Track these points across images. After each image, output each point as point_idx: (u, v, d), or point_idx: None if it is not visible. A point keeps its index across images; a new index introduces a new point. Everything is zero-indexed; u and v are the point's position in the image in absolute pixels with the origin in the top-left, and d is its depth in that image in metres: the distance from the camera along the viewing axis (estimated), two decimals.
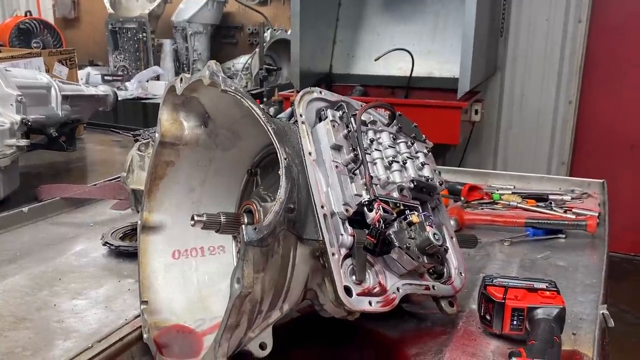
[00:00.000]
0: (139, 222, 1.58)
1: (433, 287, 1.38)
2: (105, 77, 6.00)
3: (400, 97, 4.96)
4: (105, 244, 1.92)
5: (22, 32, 6.90)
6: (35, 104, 2.52)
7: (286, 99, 4.59)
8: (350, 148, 1.37)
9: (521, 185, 2.57)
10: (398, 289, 1.29)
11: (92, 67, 6.52)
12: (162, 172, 1.57)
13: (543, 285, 1.34)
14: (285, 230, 1.14)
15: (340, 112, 1.42)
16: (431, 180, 1.47)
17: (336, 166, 1.32)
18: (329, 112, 1.40)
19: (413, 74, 4.91)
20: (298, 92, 4.59)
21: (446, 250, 1.37)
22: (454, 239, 1.52)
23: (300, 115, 1.39)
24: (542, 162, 5.51)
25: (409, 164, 1.45)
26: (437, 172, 1.53)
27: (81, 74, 6.03)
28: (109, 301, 1.62)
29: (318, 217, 1.24)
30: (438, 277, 1.43)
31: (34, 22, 6.94)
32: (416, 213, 1.33)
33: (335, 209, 1.27)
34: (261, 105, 1.30)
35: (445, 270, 1.44)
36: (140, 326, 1.47)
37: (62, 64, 3.38)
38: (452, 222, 2.04)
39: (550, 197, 2.34)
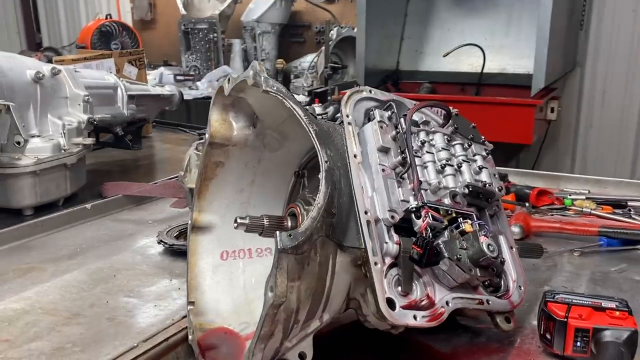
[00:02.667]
0: (189, 221, 1.58)
1: (487, 301, 1.27)
2: (177, 77, 6.18)
3: (470, 94, 4.77)
4: (160, 242, 1.94)
5: (103, 34, 7.26)
6: (102, 104, 2.61)
7: None
8: (399, 150, 1.29)
9: (597, 190, 2.37)
10: (447, 303, 1.20)
11: (165, 67, 6.74)
12: (211, 173, 1.56)
13: (612, 304, 1.21)
14: (324, 237, 1.08)
15: (389, 112, 1.34)
16: (489, 185, 1.36)
17: (383, 170, 1.25)
18: (377, 112, 1.33)
19: (485, 70, 4.70)
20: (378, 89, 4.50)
21: (502, 263, 1.26)
22: (514, 249, 1.40)
23: (347, 116, 1.32)
24: (626, 165, 5.10)
25: (464, 167, 1.35)
26: (496, 176, 1.41)
27: (154, 73, 6.25)
28: (158, 300, 1.64)
29: (361, 223, 1.17)
30: (494, 291, 1.32)
31: (114, 24, 7.28)
32: (469, 221, 1.23)
33: (380, 215, 1.20)
34: (308, 107, 1.25)
35: (502, 283, 1.33)
36: (187, 327, 1.47)
37: (132, 65, 3.49)
38: (516, 230, 1.92)
39: (630, 203, 2.14)
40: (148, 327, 1.49)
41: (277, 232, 1.00)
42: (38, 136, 2.25)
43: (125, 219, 2.29)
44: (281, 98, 1.20)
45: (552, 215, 2.12)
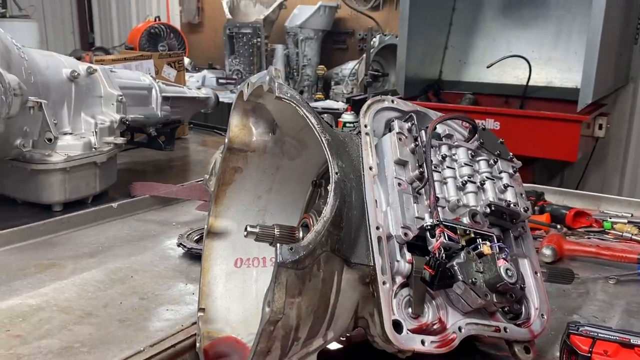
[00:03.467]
0: (205, 226, 1.56)
1: (505, 329, 1.19)
2: (220, 80, 6.26)
3: (514, 107, 4.62)
4: (179, 244, 1.93)
5: (151, 35, 7.43)
6: (136, 104, 2.64)
7: None
8: (417, 164, 1.23)
9: None
10: (460, 329, 1.13)
11: (208, 70, 6.84)
12: (229, 178, 1.54)
13: None
14: (329, 252, 1.03)
15: (409, 124, 1.28)
16: (514, 205, 1.28)
17: (399, 184, 1.19)
18: (397, 124, 1.27)
19: (530, 83, 4.55)
20: (410, 99, 4.42)
21: (522, 289, 1.18)
22: (539, 274, 1.31)
23: (365, 126, 1.27)
24: None
25: (488, 185, 1.28)
26: (523, 195, 1.33)
27: (198, 76, 6.35)
28: (171, 304, 1.62)
29: (371, 239, 1.11)
30: (514, 317, 1.24)
31: (162, 26, 7.45)
32: (488, 243, 1.16)
33: (393, 231, 1.14)
34: (324, 116, 1.21)
35: (523, 310, 1.24)
36: (195, 334, 1.44)
37: (171, 67, 3.54)
38: (548, 252, 1.82)
39: None
40: (157, 332, 1.47)
41: (278, 245, 0.96)
42: (70, 134, 2.29)
43: (150, 220, 2.29)
44: (294, 105, 1.16)
45: (588, 238, 2.00)
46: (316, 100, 5.62)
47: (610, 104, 4.67)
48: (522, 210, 1.29)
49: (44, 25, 8.78)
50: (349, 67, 5.84)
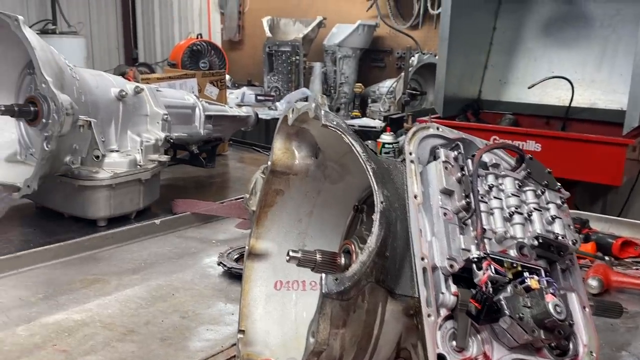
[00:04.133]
0: (247, 247, 1.58)
1: None
2: (258, 97, 6.34)
3: (556, 129, 4.52)
4: (219, 263, 1.96)
5: (193, 52, 7.59)
6: (179, 123, 2.70)
7: None
8: (463, 194, 1.21)
9: None
10: None
11: (247, 87, 6.94)
12: (271, 200, 1.55)
13: None
14: (373, 283, 1.03)
15: (456, 152, 1.27)
16: (562, 237, 1.25)
17: (445, 213, 1.18)
18: (442, 152, 1.26)
19: (573, 104, 4.45)
20: (448, 118, 4.36)
21: (571, 325, 1.14)
22: (587, 309, 1.27)
23: (410, 153, 1.27)
24: None
25: (535, 216, 1.25)
26: (571, 227, 1.30)
27: (237, 93, 6.45)
28: (211, 324, 1.64)
29: (416, 270, 1.10)
30: (561, 354, 1.20)
31: (204, 44, 7.61)
32: (536, 277, 1.13)
33: (438, 262, 1.12)
34: (367, 142, 1.21)
35: (570, 346, 1.20)
36: (234, 356, 1.45)
37: (214, 85, 3.61)
38: (594, 284, 1.76)
39: None
40: (197, 352, 1.49)
41: (323, 276, 0.96)
42: (117, 151, 2.35)
43: (190, 237, 2.33)
44: (340, 133, 1.17)
45: (637, 269, 1.93)
46: (352, 118, 5.63)
47: None
48: (570, 243, 1.26)
49: (91, 41, 9.08)
50: (386, 85, 5.84)
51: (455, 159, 1.27)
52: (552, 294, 1.10)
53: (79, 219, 2.36)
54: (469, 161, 1.26)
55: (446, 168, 1.23)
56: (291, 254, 1.24)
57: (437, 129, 1.36)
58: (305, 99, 6.12)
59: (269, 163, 1.53)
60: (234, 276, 1.90)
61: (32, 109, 2.14)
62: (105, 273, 1.94)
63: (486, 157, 1.32)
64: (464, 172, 1.24)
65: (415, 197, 1.20)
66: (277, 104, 6.04)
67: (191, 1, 8.92)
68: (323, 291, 0.95)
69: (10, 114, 2.11)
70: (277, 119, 5.14)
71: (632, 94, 3.65)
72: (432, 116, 4.73)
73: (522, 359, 1.12)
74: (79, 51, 7.38)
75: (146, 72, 7.71)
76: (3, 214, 2.21)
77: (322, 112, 1.19)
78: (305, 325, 1.50)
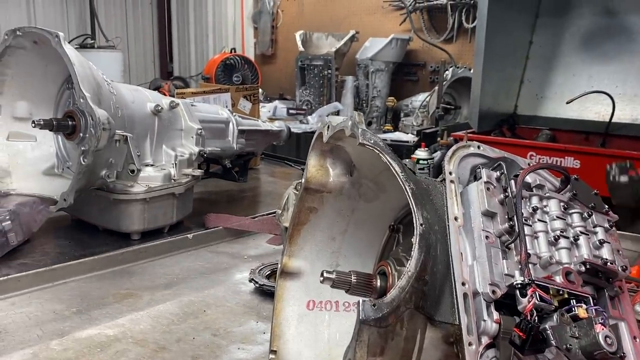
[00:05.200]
0: (279, 265, 1.55)
1: None
2: (290, 111, 6.35)
3: (595, 145, 4.39)
4: (251, 280, 1.94)
5: (226, 66, 7.69)
6: (213, 137, 2.71)
7: (458, 141, 4.35)
8: (506, 217, 1.16)
9: None
10: None
11: (280, 100, 6.97)
12: (305, 218, 1.53)
13: None
14: (412, 309, 0.99)
15: (498, 173, 1.22)
16: (611, 263, 1.19)
17: (487, 237, 1.13)
18: (484, 172, 1.21)
19: (614, 120, 4.32)
20: (483, 133, 4.27)
21: (622, 358, 1.08)
22: (637, 339, 1.20)
23: (450, 173, 1.22)
24: None
25: (582, 240, 1.19)
26: (620, 252, 1.23)
27: (269, 106, 6.48)
28: (242, 342, 1.62)
29: (456, 296, 1.06)
30: None
31: (237, 58, 7.70)
32: (584, 306, 1.07)
33: (480, 288, 1.08)
34: (405, 161, 1.18)
35: None
36: None
37: (247, 99, 3.62)
38: None
39: None
40: None
41: (360, 301, 0.93)
42: (152, 165, 2.37)
43: (222, 252, 2.33)
44: (377, 152, 1.14)
45: None
46: (385, 132, 5.58)
47: None
48: (619, 269, 1.19)
49: (128, 55, 9.29)
50: (419, 99, 5.77)
51: (498, 179, 1.22)
52: (601, 323, 1.04)
53: (113, 232, 2.38)
54: (512, 182, 1.21)
55: (488, 189, 1.19)
56: (325, 274, 1.20)
57: (478, 147, 1.31)
58: (337, 113, 6.10)
59: (303, 180, 1.51)
60: (266, 293, 1.88)
61: (70, 123, 2.17)
62: (137, 288, 1.94)
63: (529, 178, 1.26)
64: (506, 194, 1.19)
65: (456, 219, 1.16)
66: (309, 117, 6.04)
67: (225, 16, 9.05)
68: (360, 317, 0.92)
69: (49, 128, 2.15)
70: (309, 132, 5.16)
71: None
72: (467, 131, 4.66)
73: None
74: (116, 65, 7.54)
75: (181, 85, 7.83)
76: (40, 225, 2.24)
77: (360, 130, 1.16)
78: (338, 347, 1.46)
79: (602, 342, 1.00)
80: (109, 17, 9.45)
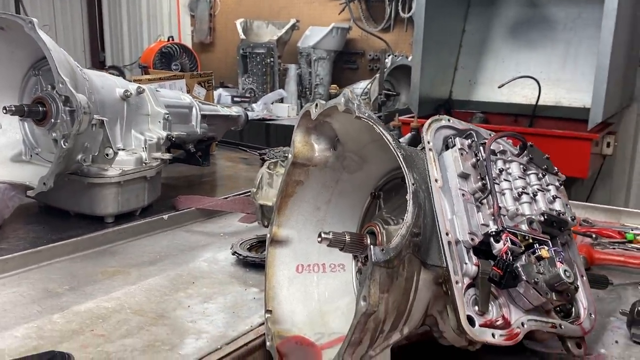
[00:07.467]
0: (268, 235, 1.69)
1: (560, 325, 1.32)
2: (235, 98, 6.42)
3: (524, 126, 4.78)
4: (234, 253, 2.06)
5: (164, 55, 7.60)
6: (178, 122, 2.78)
7: (405, 124, 4.61)
8: (478, 177, 1.37)
9: None
10: (523, 324, 1.26)
11: (223, 88, 7.01)
12: (291, 190, 1.67)
13: None
14: (411, 254, 1.17)
15: (469, 141, 1.43)
16: (562, 214, 1.43)
17: (462, 194, 1.33)
18: (457, 140, 1.41)
19: (539, 102, 4.72)
20: (423, 117, 4.55)
21: (576, 289, 1.31)
22: (584, 277, 1.45)
23: (428, 142, 1.42)
24: None
25: (539, 196, 1.42)
26: (568, 206, 1.47)
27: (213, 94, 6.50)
28: (235, 307, 1.74)
29: (442, 243, 1.25)
30: (565, 316, 1.37)
31: (175, 46, 7.63)
32: (546, 247, 1.29)
33: (460, 237, 1.28)
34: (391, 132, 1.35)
35: (573, 309, 1.38)
36: (264, 334, 1.56)
37: (201, 86, 3.69)
38: None
39: None
40: (228, 332, 1.59)
41: (371, 247, 1.09)
42: (123, 149, 2.42)
43: (197, 231, 2.42)
44: (372, 124, 1.30)
45: (614, 248, 2.14)
46: None
47: (616, 123, 4.84)
48: (569, 219, 1.43)
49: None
50: (360, 86, 6.02)
51: (469, 146, 1.42)
52: (560, 261, 1.27)
53: (85, 216, 2.41)
54: (481, 148, 1.42)
55: (462, 154, 1.39)
56: (323, 235, 1.35)
57: (448, 120, 1.51)
58: (282, 100, 6.22)
59: (290, 156, 1.65)
60: (249, 264, 2.01)
61: (40, 109, 2.19)
62: (124, 265, 2.02)
63: (493, 146, 1.48)
64: (478, 158, 1.39)
65: (436, 180, 1.35)
66: (254, 105, 6.14)
67: (160, 3, 8.90)
68: (373, 260, 1.08)
69: (20, 114, 2.16)
70: (254, 120, 5.27)
71: (595, 92, 3.91)
72: (407, 116, 4.93)
73: (535, 319, 1.29)
74: None
75: (117, 74, 7.66)
76: (12, 211, 2.24)
77: (355, 105, 1.32)
78: (328, 304, 1.63)
79: (562, 275, 1.23)
80: (34, 4, 9.03)
